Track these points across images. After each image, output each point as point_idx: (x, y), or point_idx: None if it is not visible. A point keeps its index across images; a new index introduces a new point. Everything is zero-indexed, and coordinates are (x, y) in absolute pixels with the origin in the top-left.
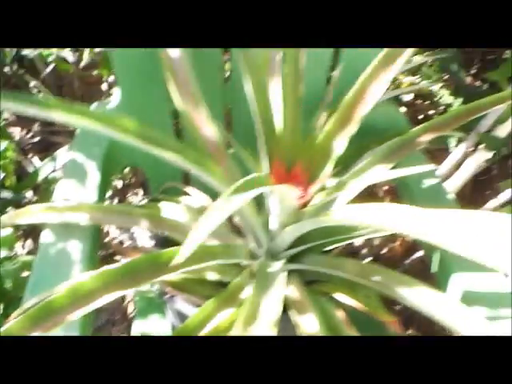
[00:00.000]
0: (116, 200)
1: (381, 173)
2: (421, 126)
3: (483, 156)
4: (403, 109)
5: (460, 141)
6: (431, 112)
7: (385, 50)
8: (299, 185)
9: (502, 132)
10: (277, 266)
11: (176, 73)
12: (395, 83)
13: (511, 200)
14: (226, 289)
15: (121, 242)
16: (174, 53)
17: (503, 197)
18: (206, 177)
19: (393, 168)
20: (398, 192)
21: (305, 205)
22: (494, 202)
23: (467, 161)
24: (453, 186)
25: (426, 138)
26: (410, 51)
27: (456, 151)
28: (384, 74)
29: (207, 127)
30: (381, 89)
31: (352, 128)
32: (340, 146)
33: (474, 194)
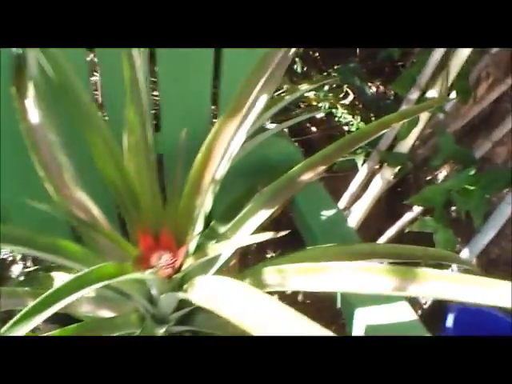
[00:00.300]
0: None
1: (245, 238)
2: (303, 162)
3: (389, 172)
4: (314, 129)
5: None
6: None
7: (229, 106)
8: (168, 250)
9: (403, 147)
10: (159, 331)
11: (36, 142)
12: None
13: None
14: None
15: None
16: (34, 119)
17: (418, 208)
18: (61, 260)
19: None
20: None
21: (179, 268)
22: (409, 215)
23: (375, 178)
24: (364, 204)
25: (311, 174)
26: (257, 106)
27: (362, 170)
28: (230, 130)
29: (75, 198)
30: (231, 145)
31: (209, 187)
32: (203, 205)
33: (394, 205)
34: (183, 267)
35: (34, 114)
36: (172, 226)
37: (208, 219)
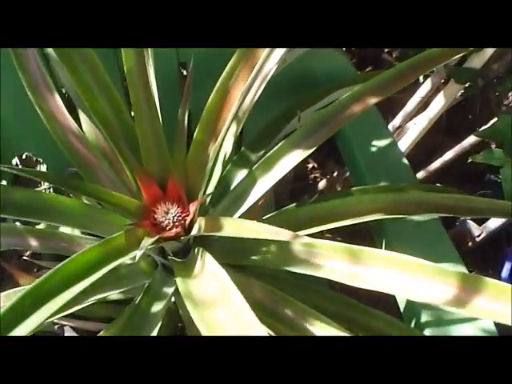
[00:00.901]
0: None
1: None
2: (356, 90)
3: (455, 89)
4: None
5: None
6: None
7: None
8: (177, 203)
9: (475, 62)
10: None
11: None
12: None
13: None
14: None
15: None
16: None
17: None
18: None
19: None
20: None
21: (191, 223)
22: (471, 139)
23: (438, 95)
24: (422, 122)
25: (365, 104)
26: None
27: (424, 86)
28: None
29: (71, 126)
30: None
31: (228, 128)
32: (221, 148)
33: (455, 124)
34: (194, 228)
35: None
36: (180, 177)
37: (238, 143)
